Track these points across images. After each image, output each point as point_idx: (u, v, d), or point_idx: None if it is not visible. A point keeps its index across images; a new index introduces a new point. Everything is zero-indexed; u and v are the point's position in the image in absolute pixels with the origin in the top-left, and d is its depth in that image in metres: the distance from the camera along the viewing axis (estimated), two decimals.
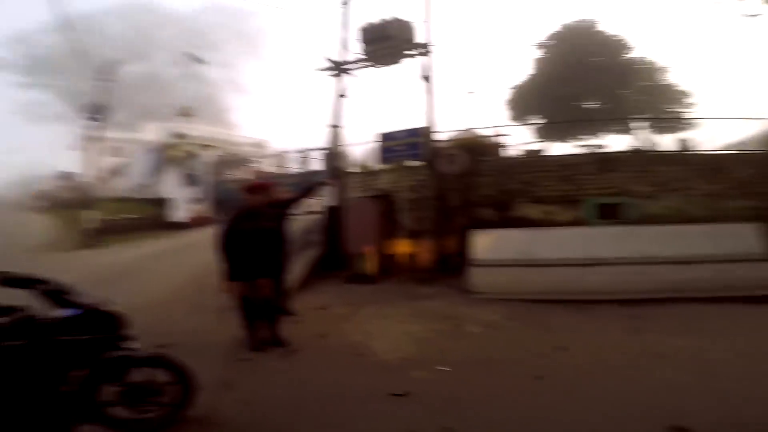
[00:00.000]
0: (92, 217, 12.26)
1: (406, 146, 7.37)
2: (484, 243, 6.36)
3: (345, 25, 8.45)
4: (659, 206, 6.71)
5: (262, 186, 4.09)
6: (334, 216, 7.75)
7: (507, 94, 18.38)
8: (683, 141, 8.31)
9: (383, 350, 3.88)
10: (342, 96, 8.36)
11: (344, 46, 8.38)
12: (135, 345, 2.44)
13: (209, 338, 4.11)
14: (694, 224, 6.11)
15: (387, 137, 7.52)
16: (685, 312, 4.70)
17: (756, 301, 4.87)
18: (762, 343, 3.75)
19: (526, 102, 17.90)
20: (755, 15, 8.36)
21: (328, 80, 8.40)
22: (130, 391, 2.44)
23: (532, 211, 7.25)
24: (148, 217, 14.37)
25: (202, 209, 14.04)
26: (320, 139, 9.13)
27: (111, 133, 22.41)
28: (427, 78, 7.64)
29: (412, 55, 7.90)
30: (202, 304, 5.17)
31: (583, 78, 16.17)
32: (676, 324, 4.38)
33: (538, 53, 17.66)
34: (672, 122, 14.81)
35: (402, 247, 7.22)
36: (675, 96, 17.25)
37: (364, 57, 8.17)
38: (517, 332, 4.39)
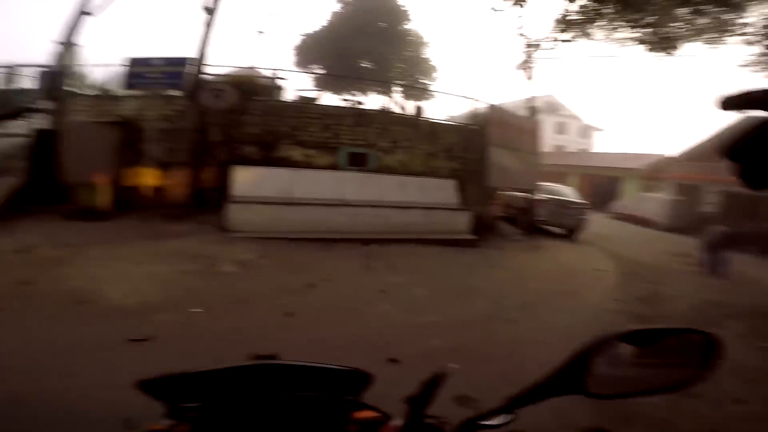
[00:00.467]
0: None
1: (163, 74, 6.67)
2: (245, 179, 6.37)
3: None
4: (393, 159, 8.36)
5: None
6: (47, 140, 6.07)
7: (296, 40, 18.05)
8: (418, 108, 10.33)
9: (117, 295, 3.44)
10: (84, 13, 6.69)
11: None
12: None
13: None
14: (414, 177, 7.92)
15: (138, 62, 6.67)
16: (403, 251, 5.80)
17: (450, 243, 6.46)
18: (448, 280, 4.91)
19: (311, 51, 18.08)
20: (500, 10, 9.70)
21: None
22: None
23: (295, 153, 7.67)
24: None
25: None
26: (43, 55, 6.93)
27: None
28: (209, 10, 6.89)
29: None
30: None
31: (365, 38, 17.53)
32: (396, 262, 5.35)
33: (335, 6, 17.97)
34: (418, 91, 18.21)
35: (147, 179, 6.40)
36: (427, 68, 20.89)
37: None
38: (271, 270, 4.55)
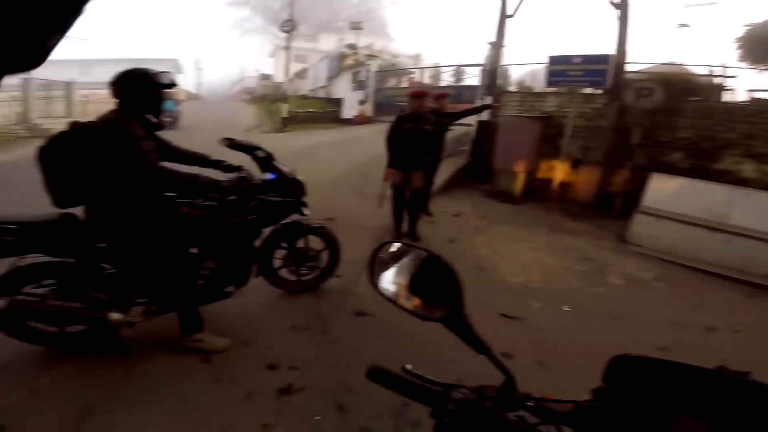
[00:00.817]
0: (283, 109, 14.67)
1: (584, 72, 6.48)
2: (663, 189, 5.32)
3: None
4: None
5: (422, 93, 4.38)
6: (485, 130, 7.55)
7: (738, 31, 12.96)
8: None
9: (507, 271, 3.84)
10: (507, 16, 7.73)
11: None
12: (307, 212, 2.67)
13: (362, 220, 4.72)
14: None
15: (558, 60, 6.74)
16: None
17: None
18: None
19: (763, 44, 12.40)
20: None
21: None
22: (295, 255, 2.76)
23: (745, 168, 5.63)
24: (324, 113, 16.48)
25: (364, 110, 15.30)
26: (478, 55, 8.84)
27: (296, 43, 25.59)
28: (619, 5, 6.44)
29: None
30: (362, 189, 5.90)
31: None
32: None
33: None
34: None
35: (557, 172, 6.65)
36: None
37: None
38: (663, 297, 3.78)
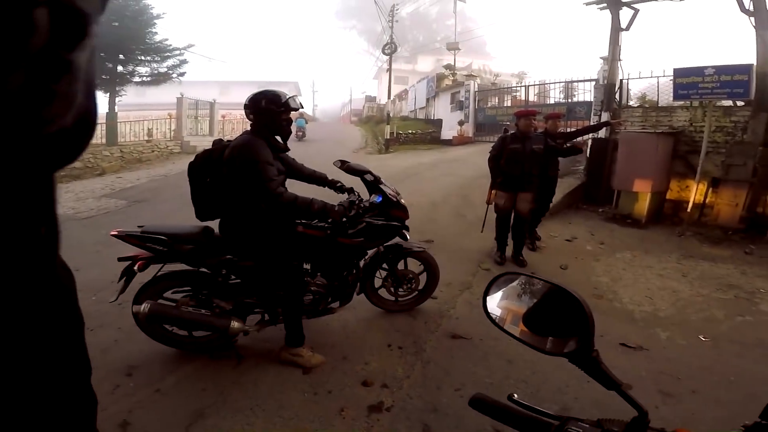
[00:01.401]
0: (386, 131, 15.67)
1: (719, 83, 5.83)
2: None
3: None
4: None
5: (530, 113, 4.26)
6: (602, 148, 7.13)
7: None
8: None
9: (630, 300, 3.60)
10: (620, 29, 7.33)
11: None
12: (408, 235, 2.75)
13: (462, 243, 4.80)
14: None
15: (686, 72, 6.15)
16: None
17: None
18: None
19: None
20: None
21: (600, 13, 7.48)
22: (394, 276, 2.85)
23: None
24: (424, 134, 17.10)
25: (464, 130, 15.36)
26: (590, 70, 8.39)
27: (396, 65, 26.78)
28: (754, 11, 5.69)
29: None
30: (462, 212, 6.06)
31: None
32: None
33: None
34: None
35: (691, 192, 5.99)
36: None
37: None
38: None
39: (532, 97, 13.78)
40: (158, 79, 16.09)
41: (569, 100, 11.80)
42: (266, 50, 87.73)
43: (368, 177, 2.59)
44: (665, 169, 6.41)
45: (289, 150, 2.41)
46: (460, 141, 14.96)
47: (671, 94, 6.48)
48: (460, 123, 15.47)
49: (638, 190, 6.15)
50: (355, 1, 47.56)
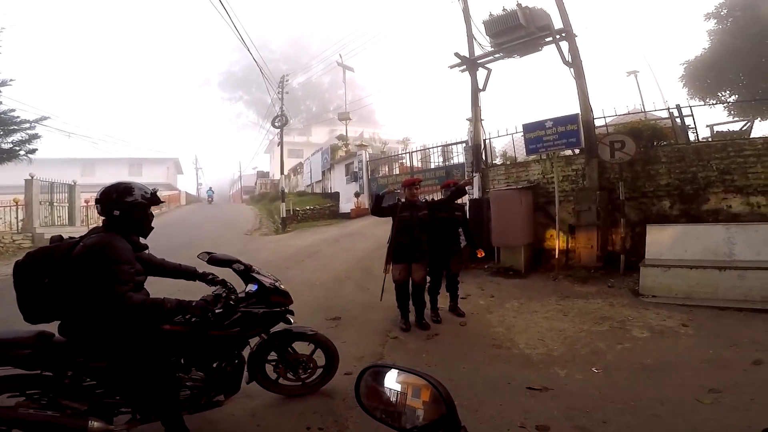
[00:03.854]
0: (282, 209, 15.54)
1: (557, 135, 6.95)
2: (662, 239, 5.74)
3: (468, 20, 8.47)
4: None
5: (414, 182, 4.58)
6: (477, 208, 7.96)
7: (679, 70, 14.67)
8: None
9: (526, 344, 3.94)
10: (479, 90, 8.45)
11: (473, 40, 8.39)
12: (293, 319, 2.78)
13: (368, 315, 4.92)
14: None
15: (532, 127, 7.22)
16: None
17: None
18: None
19: (705, 77, 13.87)
20: None
21: (464, 75, 8.56)
22: (285, 362, 2.85)
23: (733, 203, 6.03)
24: (323, 209, 17.42)
25: (361, 202, 16.06)
26: (461, 132, 9.50)
27: (289, 138, 27.56)
28: (572, 63, 7.14)
29: (551, 42, 7.39)
30: (365, 285, 6.19)
31: None
32: None
33: (712, 24, 13.40)
34: None
35: (555, 241, 6.96)
36: None
37: (494, 50, 8.03)
38: (693, 340, 3.87)
39: (416, 163, 15.22)
40: (1, 156, 13.47)
41: (447, 163, 13.39)
42: (141, 125, 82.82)
43: (237, 267, 2.62)
44: (531, 222, 7.37)
45: (147, 247, 2.34)
46: (358, 213, 15.55)
47: (525, 149, 7.53)
48: (356, 194, 16.20)
49: (513, 244, 6.95)
50: (241, 72, 48.99)
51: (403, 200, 4.55)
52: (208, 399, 2.44)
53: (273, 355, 2.86)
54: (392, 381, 0.92)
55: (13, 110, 13.94)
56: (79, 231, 13.73)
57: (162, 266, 2.52)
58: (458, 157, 12.64)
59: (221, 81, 55.83)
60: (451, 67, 8.56)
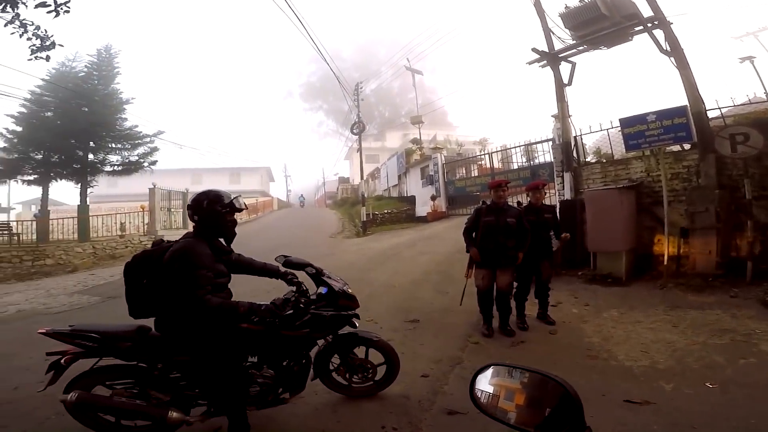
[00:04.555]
0: (362, 213, 16.20)
1: (662, 129, 6.31)
2: None
3: (542, 14, 8.10)
4: None
5: (500, 183, 4.42)
6: (570, 210, 7.45)
7: None
8: None
9: (626, 356, 3.66)
10: (563, 84, 8.07)
11: (550, 34, 8.02)
12: (358, 323, 2.89)
13: (447, 319, 4.88)
14: None
15: (632, 121, 6.65)
16: None
17: None
18: None
19: None
20: None
21: (543, 71, 8.26)
22: (346, 364, 2.96)
23: None
24: (400, 212, 17.75)
25: (437, 205, 16.03)
26: (545, 130, 9.07)
27: (366, 143, 28.57)
28: (672, 53, 6.49)
29: (642, 31, 6.76)
30: (444, 287, 6.20)
31: None
32: None
33: None
34: None
35: (664, 246, 6.28)
36: None
37: (576, 43, 7.61)
38: None
39: (496, 164, 14.74)
40: (129, 168, 16.28)
41: (531, 163, 12.72)
42: (236, 136, 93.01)
43: (309, 270, 2.78)
44: (633, 224, 6.71)
45: (232, 252, 2.59)
46: (435, 216, 15.55)
47: (623, 145, 6.93)
48: (433, 198, 16.21)
49: (613, 250, 6.38)
50: (319, 82, 52.41)
51: (488, 203, 4.42)
52: (275, 396, 2.60)
53: (336, 357, 2.99)
54: (511, 379, 0.93)
55: (136, 126, 16.73)
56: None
57: (250, 266, 2.77)
58: (544, 155, 12.01)
59: (302, 92, 60.53)
60: (530, 63, 8.29)
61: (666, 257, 6.20)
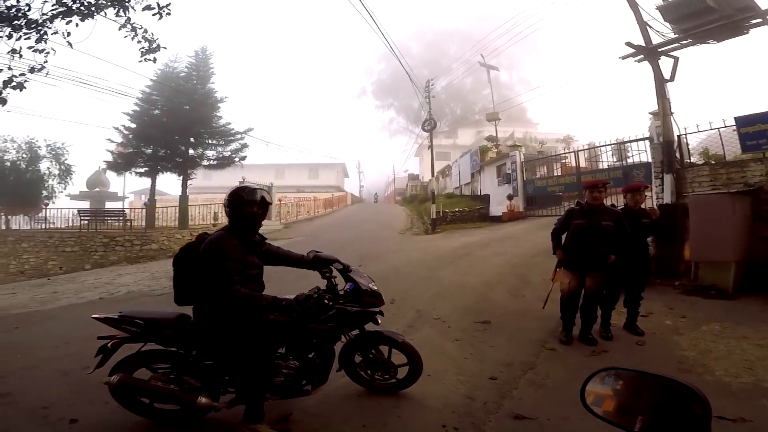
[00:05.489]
0: (432, 210, 16.35)
1: None
2: None
3: (635, 7, 7.57)
4: None
5: (597, 183, 4.26)
6: (670, 215, 6.94)
7: None
8: None
9: (725, 372, 3.44)
10: (664, 80, 7.55)
11: (646, 28, 7.51)
12: (380, 320, 2.94)
13: (521, 323, 4.81)
14: None
15: (750, 120, 6.18)
16: None
17: None
18: None
19: None
20: None
21: (639, 66, 7.81)
22: (368, 361, 3.05)
23: None
24: (472, 211, 17.54)
25: (514, 205, 15.56)
26: (640, 128, 8.47)
27: (437, 141, 28.59)
28: None
29: (761, 24, 6.15)
30: (521, 291, 6.09)
31: None
32: None
33: None
34: None
35: None
36: None
37: (679, 37, 7.07)
38: None
39: (582, 163, 13.96)
40: (223, 162, 18.35)
41: (623, 163, 11.87)
42: (315, 133, 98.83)
43: (337, 266, 2.91)
44: (746, 233, 6.12)
45: (264, 244, 2.75)
46: (511, 217, 15.17)
47: (736, 146, 6.40)
48: (509, 197, 15.76)
49: (720, 259, 5.88)
50: (389, 79, 53.38)
51: (581, 203, 4.30)
52: (298, 387, 2.71)
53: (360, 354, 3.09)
54: (631, 384, 0.93)
55: (229, 123, 18.71)
56: (274, 225, 17.44)
57: (286, 257, 2.92)
58: (639, 155, 11.16)
59: (374, 90, 62.12)
60: (623, 57, 7.88)
61: None
